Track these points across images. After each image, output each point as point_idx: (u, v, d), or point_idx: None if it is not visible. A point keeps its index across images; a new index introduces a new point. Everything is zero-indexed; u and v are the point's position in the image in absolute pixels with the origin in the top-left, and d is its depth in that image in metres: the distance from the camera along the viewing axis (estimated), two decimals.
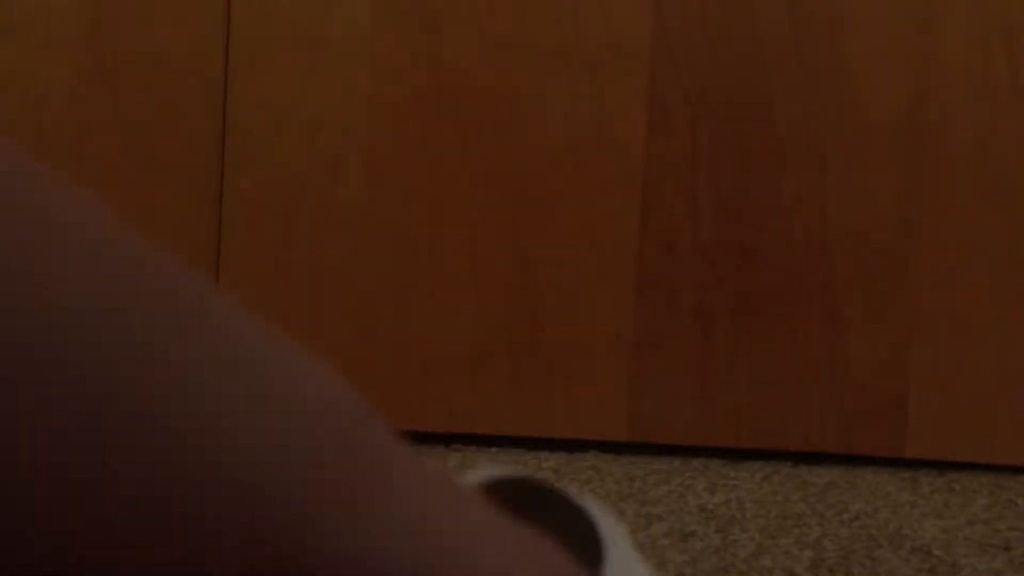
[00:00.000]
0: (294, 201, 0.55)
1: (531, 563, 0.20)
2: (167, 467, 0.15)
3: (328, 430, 0.18)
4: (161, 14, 0.55)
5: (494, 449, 0.56)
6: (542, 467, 0.53)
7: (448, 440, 0.56)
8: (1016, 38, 0.57)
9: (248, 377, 0.17)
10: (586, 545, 0.24)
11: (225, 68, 0.55)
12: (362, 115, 0.55)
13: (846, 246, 0.57)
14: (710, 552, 0.40)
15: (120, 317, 0.15)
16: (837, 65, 0.57)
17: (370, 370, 0.56)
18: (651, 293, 0.57)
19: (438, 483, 0.19)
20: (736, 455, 0.57)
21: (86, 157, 0.54)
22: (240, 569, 0.16)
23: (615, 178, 0.56)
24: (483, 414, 0.56)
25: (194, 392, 0.15)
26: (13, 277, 0.14)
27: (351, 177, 0.55)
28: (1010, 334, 0.57)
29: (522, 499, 0.23)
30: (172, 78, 0.55)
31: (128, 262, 0.15)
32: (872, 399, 0.57)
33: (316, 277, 0.56)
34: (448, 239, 0.56)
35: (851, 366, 0.57)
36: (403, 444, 0.19)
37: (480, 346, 0.56)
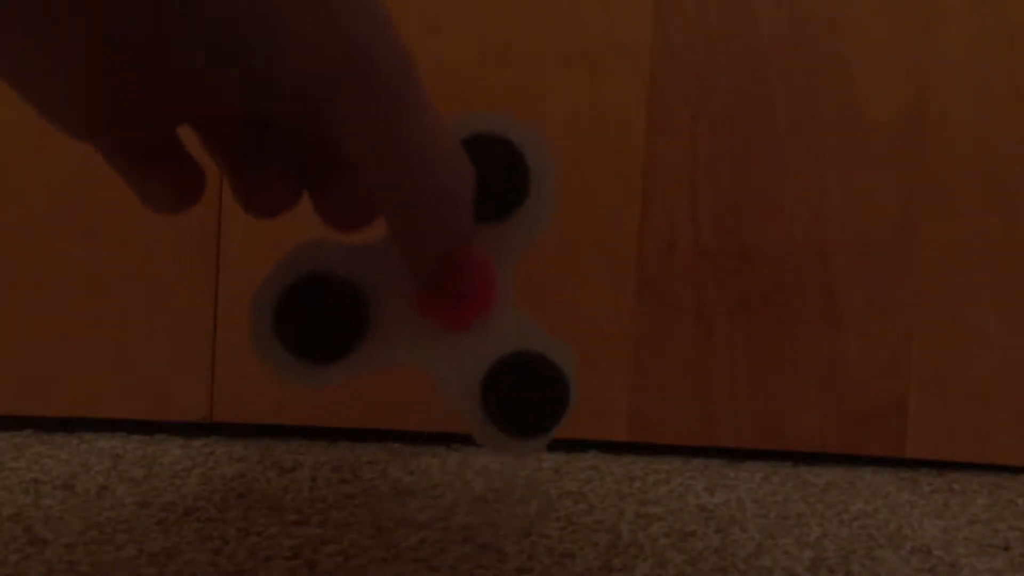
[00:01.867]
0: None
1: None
2: None
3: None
4: None
5: None
6: (542, 467, 0.53)
7: (448, 440, 0.56)
8: (1016, 38, 0.57)
9: None
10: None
11: None
12: None
13: (846, 246, 0.57)
14: (710, 552, 0.40)
15: None
16: (837, 65, 0.57)
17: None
18: (651, 293, 0.57)
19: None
20: (736, 455, 0.57)
21: (86, 156, 0.54)
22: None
23: (615, 178, 0.56)
24: None
25: None
26: None
27: None
28: (1010, 334, 0.57)
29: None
30: None
31: None
32: (872, 399, 0.57)
33: None
34: None
35: (851, 366, 0.57)
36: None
37: None
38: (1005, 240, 0.57)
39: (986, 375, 0.57)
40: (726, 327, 0.57)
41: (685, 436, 0.57)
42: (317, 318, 0.29)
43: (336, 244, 0.30)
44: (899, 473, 0.56)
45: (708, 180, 0.57)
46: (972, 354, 0.57)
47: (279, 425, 0.56)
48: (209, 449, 0.53)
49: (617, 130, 0.56)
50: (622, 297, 0.57)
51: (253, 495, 0.45)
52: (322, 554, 0.38)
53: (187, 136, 0.29)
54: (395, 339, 0.29)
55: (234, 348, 0.55)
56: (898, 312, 0.57)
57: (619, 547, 0.41)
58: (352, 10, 0.23)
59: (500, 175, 0.29)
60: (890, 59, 0.57)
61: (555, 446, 0.56)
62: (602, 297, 0.57)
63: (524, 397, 0.29)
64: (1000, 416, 0.57)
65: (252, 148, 0.30)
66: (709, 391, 0.57)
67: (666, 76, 0.57)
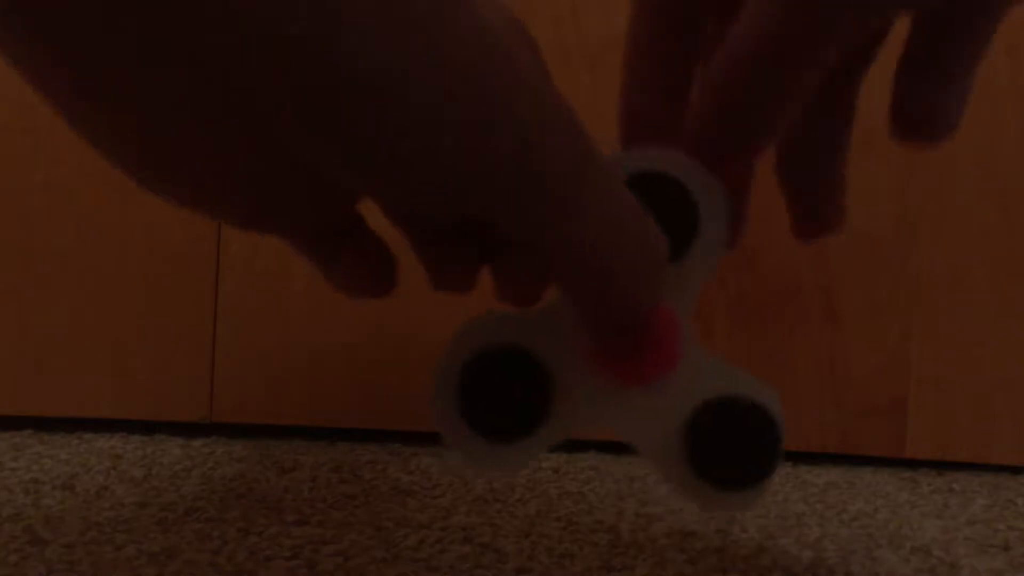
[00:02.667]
0: None
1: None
2: None
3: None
4: None
5: None
6: (542, 467, 0.53)
7: None
8: (1018, 40, 0.57)
9: None
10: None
11: None
12: None
13: (846, 246, 0.57)
14: (710, 552, 0.40)
15: None
16: None
17: (371, 370, 0.56)
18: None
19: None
20: None
21: (86, 157, 0.54)
22: None
23: None
24: None
25: None
26: None
27: None
28: (1010, 334, 0.57)
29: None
30: None
31: None
32: (872, 399, 0.57)
33: (317, 277, 0.56)
34: None
35: (851, 366, 0.57)
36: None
37: None
38: (1005, 240, 0.57)
39: (986, 375, 0.57)
40: (726, 327, 0.57)
41: None
42: (503, 395, 0.27)
43: (510, 313, 0.29)
44: (899, 473, 0.56)
45: None
46: (972, 354, 0.57)
47: (279, 425, 0.56)
48: (209, 449, 0.53)
49: (617, 130, 0.56)
50: None
51: (253, 495, 0.45)
52: (322, 554, 0.38)
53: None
54: (580, 405, 0.28)
55: (234, 348, 0.55)
56: (898, 312, 0.57)
57: (619, 547, 0.41)
58: (511, 105, 0.21)
59: (668, 213, 0.27)
60: (890, 59, 0.57)
61: (555, 446, 0.56)
62: None
63: (733, 444, 0.27)
64: (1000, 416, 0.57)
65: (431, 224, 0.28)
66: None
67: None
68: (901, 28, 0.32)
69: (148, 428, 0.55)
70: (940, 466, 0.57)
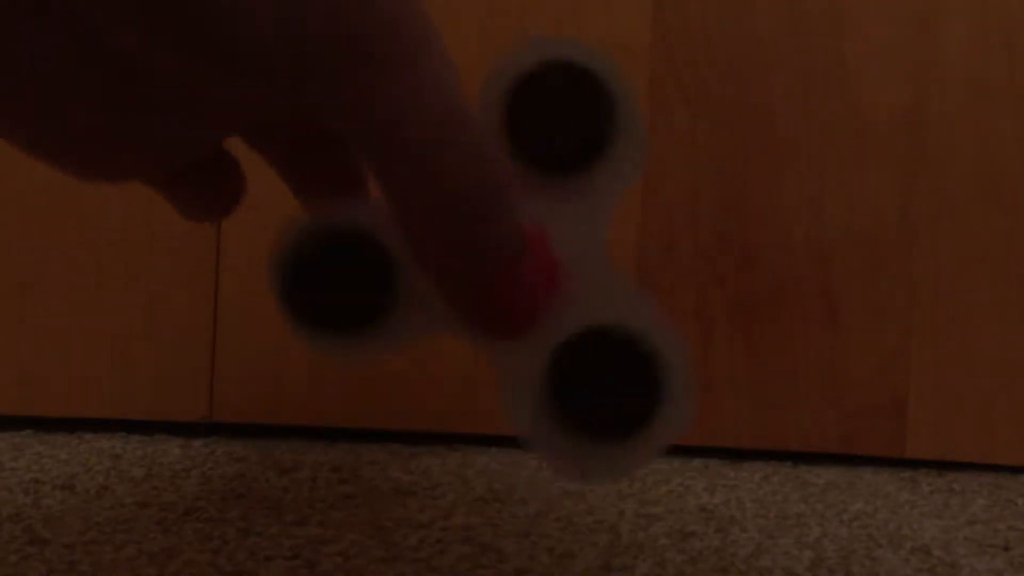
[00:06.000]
0: (293, 200, 0.55)
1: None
2: None
3: None
4: None
5: (494, 449, 0.56)
6: (542, 467, 0.53)
7: (448, 440, 0.56)
8: (1016, 38, 0.57)
9: None
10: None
11: None
12: None
13: (846, 246, 0.57)
14: (710, 552, 0.40)
15: None
16: (837, 65, 0.57)
17: (371, 370, 0.56)
18: (651, 293, 0.57)
19: None
20: (736, 455, 0.57)
21: None
22: None
23: None
24: (483, 414, 0.56)
25: None
26: None
27: None
28: (1010, 334, 0.57)
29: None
30: None
31: None
32: (872, 399, 0.57)
33: None
34: None
35: (851, 366, 0.57)
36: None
37: None
38: (1005, 240, 0.57)
39: (986, 375, 0.57)
40: (726, 327, 0.57)
41: (685, 436, 0.57)
42: (337, 278, 0.24)
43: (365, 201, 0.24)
44: (899, 473, 0.56)
45: (708, 180, 0.57)
46: (972, 354, 0.57)
47: (279, 425, 0.56)
48: (209, 449, 0.53)
49: None
50: None
51: (253, 495, 0.45)
52: (322, 554, 0.38)
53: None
54: (433, 305, 0.23)
55: (234, 348, 0.55)
56: (898, 312, 0.57)
57: (619, 547, 0.41)
58: None
59: (579, 112, 0.22)
60: (890, 59, 0.57)
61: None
62: None
63: (598, 385, 0.22)
64: (1000, 416, 0.57)
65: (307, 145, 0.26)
66: (709, 391, 0.57)
67: (666, 76, 0.57)
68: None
69: (148, 428, 0.55)
70: (940, 466, 0.57)
